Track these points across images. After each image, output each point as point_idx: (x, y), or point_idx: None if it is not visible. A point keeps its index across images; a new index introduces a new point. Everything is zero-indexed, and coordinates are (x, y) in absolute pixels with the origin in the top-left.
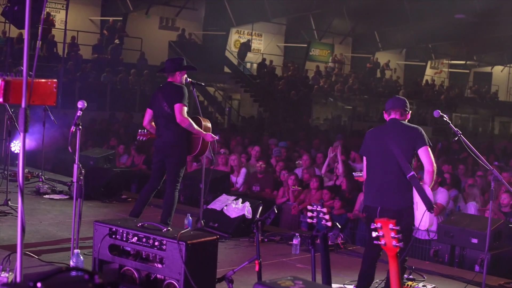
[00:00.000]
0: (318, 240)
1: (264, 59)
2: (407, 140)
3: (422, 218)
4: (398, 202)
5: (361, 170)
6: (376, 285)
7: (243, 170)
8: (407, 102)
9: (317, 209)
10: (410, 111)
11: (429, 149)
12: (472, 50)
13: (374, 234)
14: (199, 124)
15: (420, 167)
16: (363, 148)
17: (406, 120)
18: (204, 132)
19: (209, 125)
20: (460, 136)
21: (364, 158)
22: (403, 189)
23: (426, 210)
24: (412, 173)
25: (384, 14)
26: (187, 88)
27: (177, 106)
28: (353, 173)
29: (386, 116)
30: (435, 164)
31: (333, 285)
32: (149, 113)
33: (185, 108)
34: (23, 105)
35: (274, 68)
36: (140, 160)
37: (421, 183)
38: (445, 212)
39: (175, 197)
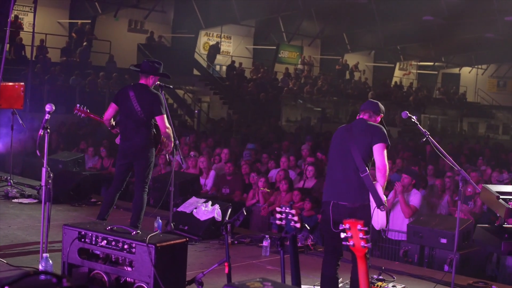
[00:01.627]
0: (287, 242)
1: (233, 62)
2: (365, 137)
3: (373, 216)
4: (353, 199)
5: None
6: (346, 286)
7: (212, 173)
8: (380, 106)
9: (286, 210)
10: (382, 115)
11: (385, 147)
12: (440, 52)
13: (342, 235)
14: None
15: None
16: (330, 147)
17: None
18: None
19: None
20: (428, 136)
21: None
22: (359, 187)
23: (376, 207)
24: (365, 170)
25: (352, 16)
26: (155, 90)
27: (159, 119)
28: None
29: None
30: (387, 163)
31: (302, 286)
32: (113, 107)
33: (165, 117)
34: None
35: (244, 70)
36: (109, 163)
37: (374, 182)
38: (418, 214)
39: (144, 200)
